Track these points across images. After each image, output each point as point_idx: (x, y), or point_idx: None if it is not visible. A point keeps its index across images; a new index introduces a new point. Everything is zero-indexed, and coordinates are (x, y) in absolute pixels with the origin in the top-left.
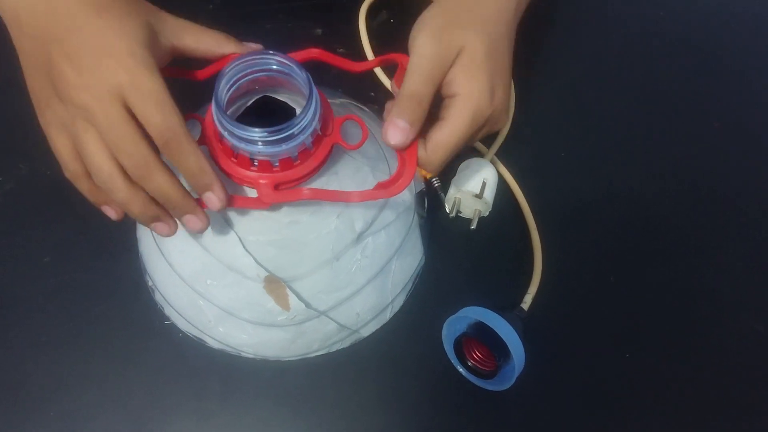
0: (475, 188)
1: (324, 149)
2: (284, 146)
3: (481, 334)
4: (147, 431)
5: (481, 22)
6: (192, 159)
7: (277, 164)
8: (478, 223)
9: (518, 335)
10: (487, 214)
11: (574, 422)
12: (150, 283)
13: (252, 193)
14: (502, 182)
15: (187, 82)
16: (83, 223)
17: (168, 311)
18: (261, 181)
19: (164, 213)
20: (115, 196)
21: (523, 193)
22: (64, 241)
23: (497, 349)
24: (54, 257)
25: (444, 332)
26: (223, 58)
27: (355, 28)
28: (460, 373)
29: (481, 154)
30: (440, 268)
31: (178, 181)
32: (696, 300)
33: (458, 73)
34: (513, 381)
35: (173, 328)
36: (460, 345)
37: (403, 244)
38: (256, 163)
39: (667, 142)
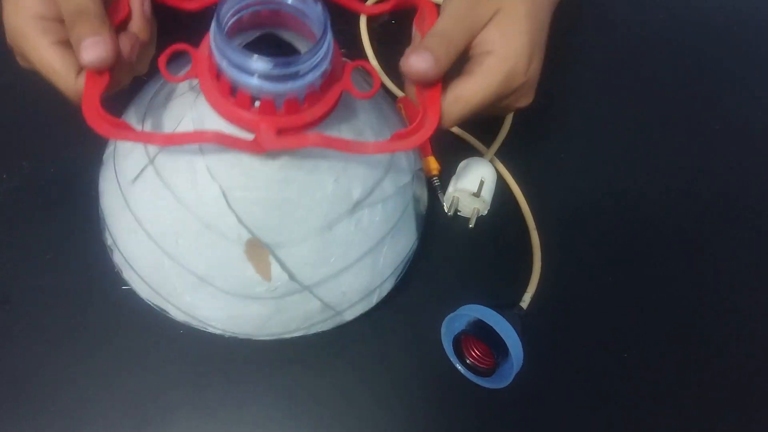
0: (474, 187)
1: (333, 95)
2: (291, 84)
3: (480, 332)
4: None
5: None
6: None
7: (281, 106)
8: (477, 222)
9: (517, 334)
10: (486, 213)
11: (572, 420)
12: (109, 242)
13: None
14: (501, 182)
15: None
16: (85, 221)
17: (128, 275)
18: (262, 124)
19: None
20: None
21: (522, 192)
22: (67, 238)
23: (496, 347)
24: (55, 254)
25: (443, 330)
26: None
27: (356, 30)
28: (458, 371)
29: (480, 154)
30: (439, 267)
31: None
32: (694, 299)
33: (495, 31)
34: (511, 379)
35: (131, 295)
36: (458, 343)
37: (399, 222)
38: (257, 104)
39: (667, 141)
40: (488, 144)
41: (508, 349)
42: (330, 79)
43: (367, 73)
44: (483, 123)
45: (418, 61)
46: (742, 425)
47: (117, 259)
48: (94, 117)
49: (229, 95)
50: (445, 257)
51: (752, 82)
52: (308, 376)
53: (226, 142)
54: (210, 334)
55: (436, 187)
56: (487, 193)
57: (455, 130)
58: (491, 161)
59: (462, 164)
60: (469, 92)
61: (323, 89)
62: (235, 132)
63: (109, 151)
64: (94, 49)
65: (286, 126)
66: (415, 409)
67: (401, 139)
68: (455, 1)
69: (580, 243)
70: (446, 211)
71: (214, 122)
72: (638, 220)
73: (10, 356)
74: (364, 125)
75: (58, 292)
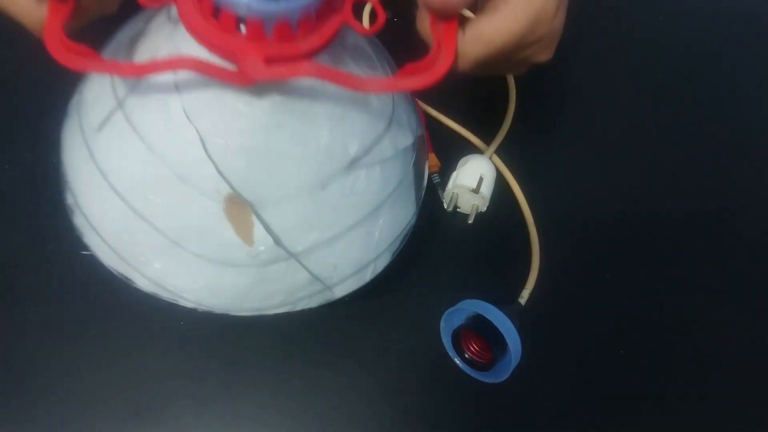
0: (473, 184)
1: (331, 26)
2: (283, 3)
3: (478, 326)
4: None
5: None
6: None
7: (271, 32)
8: (476, 218)
9: (516, 329)
10: (485, 209)
11: (568, 414)
12: (70, 200)
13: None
14: (500, 178)
15: None
16: None
17: (90, 238)
18: (248, 50)
19: None
20: None
21: (521, 189)
22: (67, 230)
23: (494, 341)
24: (56, 246)
25: (442, 324)
26: None
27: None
28: (456, 365)
29: (480, 151)
30: (438, 262)
31: None
32: (691, 297)
33: None
34: (509, 373)
35: (93, 261)
36: (457, 337)
37: (397, 190)
38: (243, 28)
39: (667, 140)
40: (488, 141)
41: (506, 343)
42: (328, 6)
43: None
44: (483, 119)
45: None
46: (740, 422)
47: (78, 220)
48: (57, 46)
49: (211, 17)
50: (444, 253)
51: (754, 82)
52: (306, 369)
53: (206, 71)
54: (204, 317)
55: (435, 183)
56: (487, 189)
57: (455, 126)
58: (491, 158)
59: (462, 161)
60: (492, 30)
61: (319, 17)
62: (214, 59)
63: (74, 100)
64: None
65: (275, 55)
66: (413, 402)
67: (410, 76)
68: None
69: (578, 240)
70: (445, 207)
71: (194, 52)
72: (636, 218)
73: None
74: (361, 71)
75: (60, 282)
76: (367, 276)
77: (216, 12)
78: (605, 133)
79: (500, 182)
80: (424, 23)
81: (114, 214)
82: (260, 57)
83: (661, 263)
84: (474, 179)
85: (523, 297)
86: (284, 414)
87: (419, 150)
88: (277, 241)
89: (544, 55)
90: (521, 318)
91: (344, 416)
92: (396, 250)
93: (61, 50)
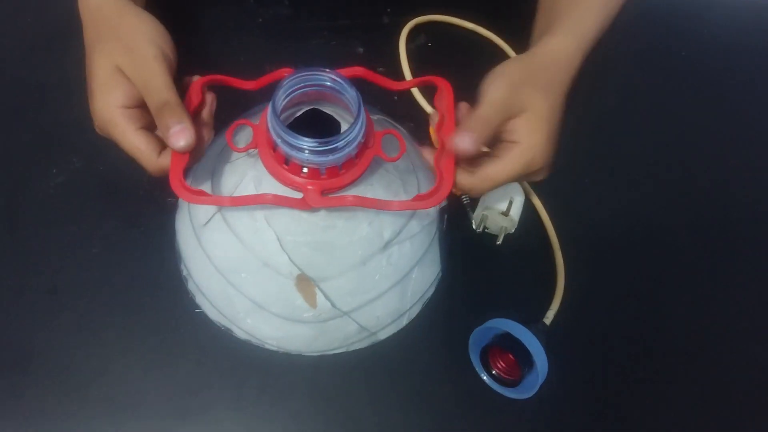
0: (503, 206)
1: (366, 160)
2: (332, 156)
3: (506, 344)
4: (188, 417)
5: (550, 86)
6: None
7: (324, 172)
8: (504, 239)
9: (542, 347)
10: (513, 231)
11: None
12: (184, 272)
13: (296, 196)
14: (528, 202)
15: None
16: (131, 217)
17: (200, 300)
18: (309, 186)
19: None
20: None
21: (547, 212)
22: (112, 233)
23: (522, 359)
24: (102, 248)
25: (470, 342)
26: (276, 72)
27: (395, 50)
28: (483, 382)
29: None
30: (466, 282)
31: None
32: (718, 320)
33: (522, 125)
34: (536, 390)
35: (203, 317)
36: (485, 354)
37: (425, 255)
38: (305, 170)
39: (691, 163)
40: None
41: (533, 361)
42: (363, 147)
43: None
44: None
45: (463, 142)
46: None
47: (191, 286)
48: (180, 189)
49: (283, 164)
50: (471, 273)
51: None
52: (342, 387)
53: (281, 202)
54: (283, 357)
55: (465, 205)
56: (516, 212)
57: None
58: (520, 183)
59: None
60: (496, 173)
61: (358, 156)
62: (287, 191)
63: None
64: (181, 136)
65: (328, 187)
66: (442, 418)
67: (420, 200)
68: (494, 92)
69: (602, 263)
70: (474, 228)
71: (270, 182)
72: (661, 242)
73: (57, 343)
74: (393, 177)
75: (103, 285)
76: (404, 321)
77: (287, 161)
78: (630, 157)
79: (527, 205)
80: (430, 159)
81: (217, 284)
82: (318, 191)
83: (686, 287)
84: (504, 202)
85: (548, 317)
86: (318, 421)
87: (441, 217)
88: (333, 305)
89: (538, 178)
90: (547, 337)
91: (374, 428)
92: (427, 299)
93: (182, 191)
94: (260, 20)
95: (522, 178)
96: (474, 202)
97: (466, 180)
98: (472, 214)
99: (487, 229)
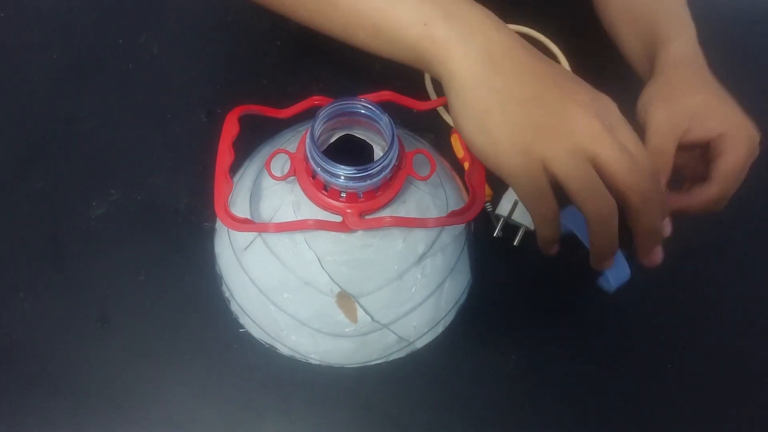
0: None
1: (400, 180)
2: (370, 181)
3: None
4: None
5: (702, 81)
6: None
7: (361, 195)
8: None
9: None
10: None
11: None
12: (227, 294)
13: (335, 218)
14: None
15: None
16: (171, 243)
17: (243, 320)
18: (348, 210)
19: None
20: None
21: None
22: (155, 260)
23: None
24: (147, 275)
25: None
26: (306, 101)
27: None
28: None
29: None
30: (495, 285)
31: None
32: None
33: (709, 120)
34: (627, 275)
35: (247, 336)
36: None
37: (456, 264)
38: (343, 195)
39: None
40: None
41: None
42: (397, 169)
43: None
44: None
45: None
46: None
47: (234, 307)
48: (226, 218)
49: (322, 189)
50: (500, 276)
51: None
52: (384, 395)
53: (321, 227)
54: (326, 369)
55: (489, 212)
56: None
57: None
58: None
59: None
60: (729, 168)
61: (392, 178)
62: (326, 215)
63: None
64: None
65: (366, 209)
66: (479, 421)
67: (455, 216)
68: (656, 110)
69: None
70: (495, 235)
71: (309, 206)
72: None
73: (111, 370)
74: (423, 193)
75: (154, 312)
76: (440, 329)
77: (326, 187)
78: None
79: None
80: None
81: (260, 304)
82: (356, 213)
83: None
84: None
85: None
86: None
87: (469, 224)
88: (373, 319)
89: (758, 151)
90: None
91: (417, 429)
92: (460, 306)
93: (228, 220)
94: (278, 43)
95: (749, 158)
96: (495, 203)
97: (706, 196)
98: (495, 221)
99: (512, 221)
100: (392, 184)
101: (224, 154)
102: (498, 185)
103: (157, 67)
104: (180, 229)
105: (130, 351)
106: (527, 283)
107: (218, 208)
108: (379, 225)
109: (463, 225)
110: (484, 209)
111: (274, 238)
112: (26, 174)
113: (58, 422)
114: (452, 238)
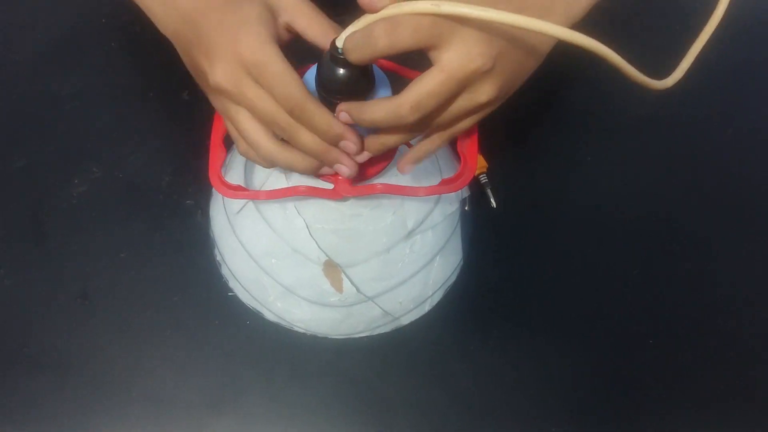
0: None
1: (393, 150)
2: None
3: None
4: (221, 407)
5: None
6: (317, 117)
7: None
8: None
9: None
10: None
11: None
12: (218, 257)
13: (327, 186)
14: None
15: None
16: (153, 220)
17: (232, 284)
18: (339, 177)
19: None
20: (278, 163)
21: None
22: (137, 237)
23: None
24: (129, 253)
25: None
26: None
27: None
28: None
29: None
30: (486, 268)
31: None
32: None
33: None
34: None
35: (231, 306)
36: None
37: (447, 244)
38: None
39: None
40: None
41: None
42: None
43: None
44: None
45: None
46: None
47: (224, 271)
48: (219, 185)
49: None
50: (492, 261)
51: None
52: (367, 369)
53: (313, 193)
54: (311, 339)
55: (483, 184)
56: None
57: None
58: None
59: None
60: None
61: None
62: (317, 182)
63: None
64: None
65: (357, 177)
66: (461, 398)
67: (446, 185)
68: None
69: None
70: (494, 206)
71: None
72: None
73: (92, 345)
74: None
75: (135, 289)
76: (426, 307)
77: None
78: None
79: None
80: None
81: (249, 269)
82: (348, 181)
83: (677, 266)
84: None
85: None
86: (344, 402)
87: (463, 204)
88: (358, 290)
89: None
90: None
91: (398, 404)
92: (449, 287)
93: (221, 186)
94: None
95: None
96: (493, 180)
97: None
98: (490, 193)
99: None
100: (386, 153)
101: (220, 122)
102: (492, 157)
103: (139, 45)
104: (162, 207)
105: (111, 328)
106: (519, 269)
107: (212, 174)
108: (369, 192)
109: (457, 205)
110: (479, 182)
111: (265, 204)
112: (9, 152)
113: (39, 398)
114: (444, 216)
